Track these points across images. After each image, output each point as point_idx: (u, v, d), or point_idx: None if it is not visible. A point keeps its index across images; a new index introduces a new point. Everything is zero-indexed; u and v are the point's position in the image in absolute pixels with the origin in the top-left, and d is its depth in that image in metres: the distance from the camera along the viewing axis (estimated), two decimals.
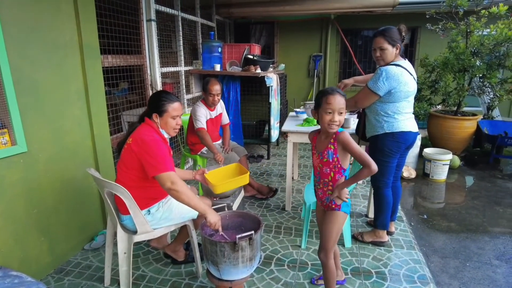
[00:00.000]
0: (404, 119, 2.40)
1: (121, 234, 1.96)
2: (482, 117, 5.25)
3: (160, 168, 1.80)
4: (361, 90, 2.41)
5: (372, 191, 2.69)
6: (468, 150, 5.29)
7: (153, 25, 3.50)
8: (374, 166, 1.70)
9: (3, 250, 2.00)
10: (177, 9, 4.02)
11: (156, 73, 3.61)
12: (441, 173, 4.14)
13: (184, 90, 4.29)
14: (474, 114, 4.95)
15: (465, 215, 3.34)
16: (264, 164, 4.71)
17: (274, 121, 4.73)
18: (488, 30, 4.32)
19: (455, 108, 4.95)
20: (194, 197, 1.84)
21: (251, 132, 5.04)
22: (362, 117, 2.72)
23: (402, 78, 2.26)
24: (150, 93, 3.59)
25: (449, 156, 4.11)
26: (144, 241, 2.60)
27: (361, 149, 1.77)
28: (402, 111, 2.39)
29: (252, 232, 1.84)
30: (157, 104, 1.99)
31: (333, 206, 1.87)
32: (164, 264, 2.43)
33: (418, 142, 4.29)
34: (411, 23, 5.95)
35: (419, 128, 5.85)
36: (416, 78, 2.44)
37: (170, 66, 3.97)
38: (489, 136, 4.73)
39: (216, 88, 3.19)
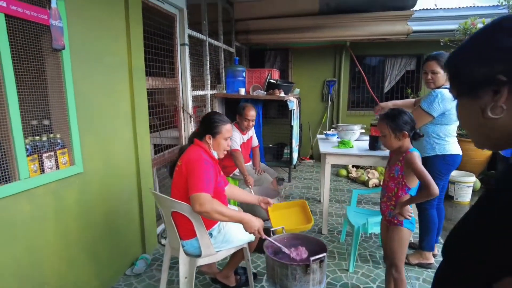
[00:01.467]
0: (453, 142, 2.46)
1: (183, 258, 1.90)
2: None
3: (194, 188, 1.74)
4: (413, 111, 2.46)
5: (417, 213, 2.69)
6: (484, 173, 5.36)
7: (186, 49, 3.57)
8: (434, 190, 1.74)
9: (58, 272, 1.92)
10: (205, 34, 4.11)
11: (188, 96, 3.64)
12: (465, 195, 4.17)
13: None
14: None
15: None
16: (287, 187, 4.68)
17: (295, 143, 4.76)
18: None
19: None
20: (227, 210, 1.78)
21: (271, 154, 5.05)
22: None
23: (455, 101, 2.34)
24: (182, 115, 3.60)
25: (473, 178, 4.16)
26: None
27: (424, 171, 1.80)
28: (452, 134, 2.44)
29: (325, 254, 1.81)
30: (210, 125, 1.99)
31: (395, 221, 1.89)
32: None
33: None
34: (418, 49, 6.18)
35: None
36: None
37: (199, 90, 4.02)
38: (505, 159, 4.81)
39: (252, 113, 3.24)
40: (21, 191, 1.66)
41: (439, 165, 2.44)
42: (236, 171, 3.38)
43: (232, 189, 2.23)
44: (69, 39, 1.93)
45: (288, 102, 4.46)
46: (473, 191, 4.52)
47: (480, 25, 4.50)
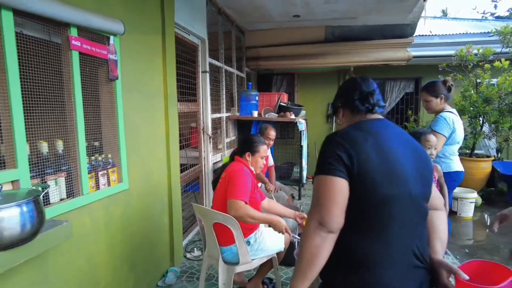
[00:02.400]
0: (457, 160, 2.71)
1: (222, 266, 2.10)
2: (493, 159, 5.65)
3: (233, 195, 1.98)
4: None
5: None
6: (484, 190, 5.60)
7: (207, 75, 3.87)
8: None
9: (106, 280, 2.10)
10: (222, 62, 4.43)
11: (208, 119, 3.90)
12: (468, 211, 4.39)
13: (225, 134, 4.58)
14: (488, 156, 5.34)
15: (498, 247, 3.55)
16: (297, 204, 4.88)
17: (305, 162, 5.00)
18: (496, 80, 4.86)
19: (468, 151, 5.34)
20: (258, 214, 2.01)
21: (281, 173, 5.28)
22: None
23: (457, 122, 2.62)
24: (203, 136, 3.85)
25: (474, 194, 4.40)
26: None
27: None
28: (455, 153, 2.70)
29: None
30: (251, 145, 2.27)
31: None
32: None
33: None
34: (418, 73, 6.56)
35: None
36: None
37: (216, 113, 4.29)
38: (505, 176, 5.07)
39: (273, 133, 3.50)
40: (83, 205, 1.88)
41: (446, 181, 2.68)
42: (259, 184, 3.59)
43: (270, 203, 2.46)
44: (121, 70, 2.20)
45: (298, 124, 4.73)
46: (475, 207, 4.75)
47: (475, 51, 4.86)
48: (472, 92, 4.87)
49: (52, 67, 1.73)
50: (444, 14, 21.75)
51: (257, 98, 4.77)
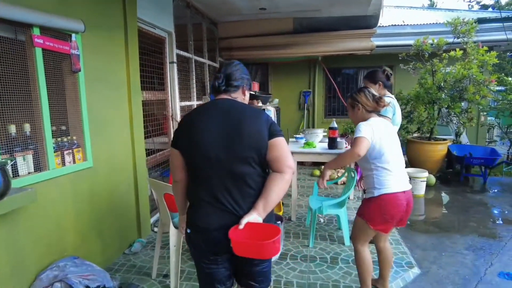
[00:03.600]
0: None
1: (172, 230, 2.46)
2: (452, 143, 6.07)
3: None
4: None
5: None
6: (442, 171, 6.04)
7: (175, 66, 4.18)
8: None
9: (74, 245, 2.46)
10: (191, 53, 4.73)
11: (176, 107, 4.23)
12: (420, 189, 4.81)
13: None
14: (444, 140, 5.76)
15: (441, 220, 3.98)
16: None
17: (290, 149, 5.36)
18: (449, 68, 5.24)
19: (428, 135, 5.75)
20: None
21: None
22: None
23: (396, 106, 2.96)
24: (172, 123, 4.19)
25: (425, 174, 4.81)
26: None
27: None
28: None
29: (279, 222, 2.40)
30: None
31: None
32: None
33: None
34: (388, 62, 6.91)
35: None
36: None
37: (186, 101, 4.62)
38: (458, 158, 5.50)
39: None
40: (50, 178, 2.23)
41: None
42: None
43: None
44: (84, 63, 2.51)
45: (266, 111, 5.07)
46: (428, 186, 5.18)
47: (429, 41, 5.21)
48: (428, 80, 5.24)
49: (19, 61, 2.05)
50: (432, 4, 22.02)
51: None
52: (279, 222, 2.38)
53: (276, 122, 5.72)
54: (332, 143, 3.64)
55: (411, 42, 5.56)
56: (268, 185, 1.42)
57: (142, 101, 3.46)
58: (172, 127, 4.22)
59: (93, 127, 2.64)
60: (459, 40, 5.19)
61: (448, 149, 5.66)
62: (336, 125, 3.61)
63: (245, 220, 1.34)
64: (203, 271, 1.59)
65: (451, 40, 5.25)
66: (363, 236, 2.25)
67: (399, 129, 5.74)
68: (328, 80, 7.07)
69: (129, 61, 3.08)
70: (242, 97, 1.58)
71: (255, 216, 1.37)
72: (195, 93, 4.85)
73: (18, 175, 2.03)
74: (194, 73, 4.80)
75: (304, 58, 6.49)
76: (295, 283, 2.56)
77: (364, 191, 2.43)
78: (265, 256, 1.34)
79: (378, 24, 5.77)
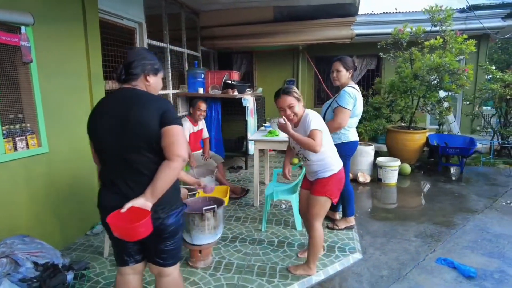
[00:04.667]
0: (354, 131, 3.13)
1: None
2: (438, 133, 6.04)
3: None
4: (338, 113, 2.95)
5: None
6: (422, 160, 6.06)
7: None
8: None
9: (27, 225, 2.65)
10: (166, 42, 4.83)
11: None
12: (391, 178, 4.87)
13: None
14: (424, 129, 5.75)
15: (403, 209, 4.06)
16: (242, 173, 5.41)
17: (251, 136, 5.47)
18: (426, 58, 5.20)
19: (405, 124, 5.76)
20: None
21: (232, 146, 5.77)
22: None
23: (358, 97, 3.00)
24: None
25: (397, 163, 4.85)
26: None
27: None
28: (353, 125, 3.09)
29: (215, 206, 2.54)
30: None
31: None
32: None
33: (371, 152, 5.04)
34: (374, 51, 6.87)
35: (379, 142, 6.62)
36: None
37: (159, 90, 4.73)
38: (434, 147, 5.51)
39: (204, 106, 3.96)
40: None
41: (344, 150, 3.02)
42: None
43: None
44: (36, 54, 2.65)
45: (242, 100, 5.16)
46: (403, 175, 5.23)
47: (408, 30, 5.18)
48: (405, 68, 5.22)
49: None
50: None
51: (203, 76, 5.19)
52: (215, 206, 2.51)
53: (258, 111, 5.81)
54: None
55: (384, 30, 5.53)
56: (157, 172, 1.49)
57: (107, 90, 3.60)
58: None
59: (49, 115, 2.79)
60: (437, 28, 5.13)
61: (428, 138, 5.66)
62: None
63: (129, 204, 1.46)
64: (114, 243, 1.74)
65: (429, 28, 5.20)
66: (323, 213, 2.48)
67: (380, 118, 5.82)
68: (311, 68, 7.09)
69: (89, 52, 3.20)
70: (145, 83, 1.63)
71: (141, 201, 1.47)
72: (171, 82, 4.97)
73: None
74: (169, 62, 4.90)
75: (286, 47, 6.51)
76: (235, 264, 2.71)
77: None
78: (133, 238, 1.46)
79: (370, 12, 5.75)
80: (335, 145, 3.06)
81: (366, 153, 5.00)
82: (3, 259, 2.30)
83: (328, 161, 2.41)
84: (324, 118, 3.18)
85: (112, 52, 3.78)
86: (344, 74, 3.06)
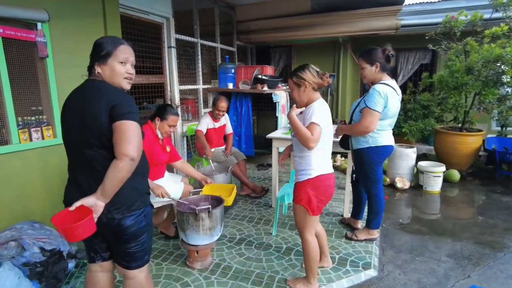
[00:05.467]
0: (386, 135, 2.73)
1: None
2: (499, 135, 5.24)
3: None
4: (365, 115, 2.60)
5: (354, 195, 3.14)
6: (477, 166, 5.30)
7: (173, 51, 4.31)
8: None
9: (41, 212, 2.79)
10: (197, 37, 4.82)
11: (175, 90, 4.39)
12: (434, 185, 4.31)
13: (202, 105, 5.04)
14: (479, 131, 5.02)
15: (441, 221, 3.55)
16: (271, 172, 5.22)
17: (270, 134, 5.25)
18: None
19: (461, 125, 5.07)
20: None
21: (262, 143, 5.61)
22: None
23: (392, 96, 2.59)
24: None
25: (441, 168, 4.28)
26: None
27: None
28: (385, 128, 2.71)
29: (209, 206, 2.42)
30: (162, 112, 2.71)
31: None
32: (158, 238, 3.07)
33: (413, 155, 4.52)
34: (425, 43, 6.18)
35: (426, 144, 5.99)
36: (400, 97, 2.74)
37: (188, 85, 4.75)
38: (489, 152, 4.77)
39: (223, 105, 3.86)
40: (13, 151, 2.54)
41: (373, 155, 2.72)
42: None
43: (183, 164, 2.95)
44: (52, 50, 2.76)
45: (272, 95, 4.97)
46: (451, 182, 4.62)
47: (462, 18, 4.54)
48: (457, 61, 4.57)
49: None
50: None
51: (233, 70, 5.09)
52: (209, 206, 2.39)
53: (288, 107, 5.57)
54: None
55: (433, 20, 4.87)
56: (107, 171, 1.40)
57: (136, 84, 3.68)
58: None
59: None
60: (499, 14, 4.38)
61: (484, 142, 4.93)
62: None
63: (79, 202, 1.39)
64: (83, 239, 1.70)
65: (488, 16, 4.47)
66: (308, 222, 2.16)
67: (428, 117, 5.20)
68: (354, 63, 6.60)
69: None
70: (97, 74, 1.53)
71: (92, 200, 1.40)
72: (200, 77, 4.96)
73: None
74: (199, 57, 4.89)
75: (326, 39, 6.13)
76: (234, 268, 2.56)
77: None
78: (72, 239, 1.38)
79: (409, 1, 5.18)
80: (362, 149, 2.79)
81: (406, 156, 4.50)
82: (12, 242, 2.43)
83: (309, 161, 2.10)
84: (351, 119, 2.88)
85: (139, 48, 3.85)
86: (370, 70, 2.68)
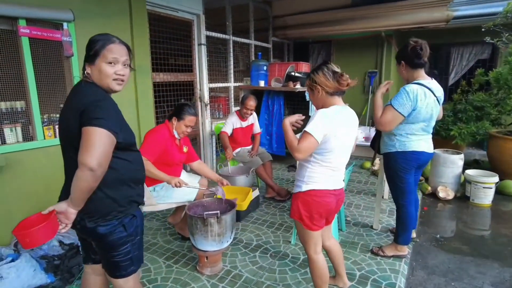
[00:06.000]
0: (417, 139, 2.44)
1: None
2: None
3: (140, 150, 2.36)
4: (386, 111, 2.39)
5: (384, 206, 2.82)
6: None
7: (203, 48, 4.27)
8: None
9: None
10: (229, 34, 4.73)
11: (204, 88, 4.35)
12: (483, 197, 3.81)
13: (233, 102, 4.96)
14: None
15: (489, 241, 3.11)
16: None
17: None
18: None
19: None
20: (155, 171, 2.42)
21: None
22: (378, 131, 2.74)
23: (422, 98, 2.30)
24: (199, 104, 4.34)
25: (494, 179, 3.77)
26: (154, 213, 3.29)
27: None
28: (415, 133, 2.42)
29: (218, 211, 2.31)
30: (180, 112, 2.66)
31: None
32: (175, 238, 3.04)
33: (459, 162, 4.03)
34: (481, 36, 5.52)
35: (480, 148, 5.37)
36: (442, 98, 2.43)
37: (219, 82, 4.69)
38: None
39: (251, 103, 3.74)
40: (38, 147, 2.65)
41: (399, 161, 2.47)
42: (234, 153, 3.95)
43: (200, 165, 2.91)
44: (78, 49, 2.83)
45: (306, 94, 4.75)
46: (505, 194, 4.06)
47: None
48: None
49: (14, 50, 2.48)
50: None
51: (265, 68, 4.94)
52: (218, 212, 2.29)
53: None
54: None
55: (491, 10, 4.27)
56: None
57: (157, 82, 3.69)
58: (200, 107, 4.38)
59: None
60: None
61: None
62: None
63: (51, 207, 1.36)
64: (79, 239, 1.72)
65: None
66: (307, 237, 1.94)
67: (481, 119, 4.61)
68: None
69: (134, 43, 3.30)
70: (96, 74, 1.43)
71: (64, 206, 1.36)
72: (232, 75, 4.88)
73: (5, 143, 2.49)
74: (231, 54, 4.81)
75: (368, 34, 5.71)
76: (244, 278, 2.44)
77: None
78: (27, 245, 1.33)
79: None
80: (389, 153, 2.53)
81: (451, 163, 4.03)
82: None
83: (303, 173, 1.86)
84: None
85: (168, 45, 3.86)
86: (399, 70, 2.48)
